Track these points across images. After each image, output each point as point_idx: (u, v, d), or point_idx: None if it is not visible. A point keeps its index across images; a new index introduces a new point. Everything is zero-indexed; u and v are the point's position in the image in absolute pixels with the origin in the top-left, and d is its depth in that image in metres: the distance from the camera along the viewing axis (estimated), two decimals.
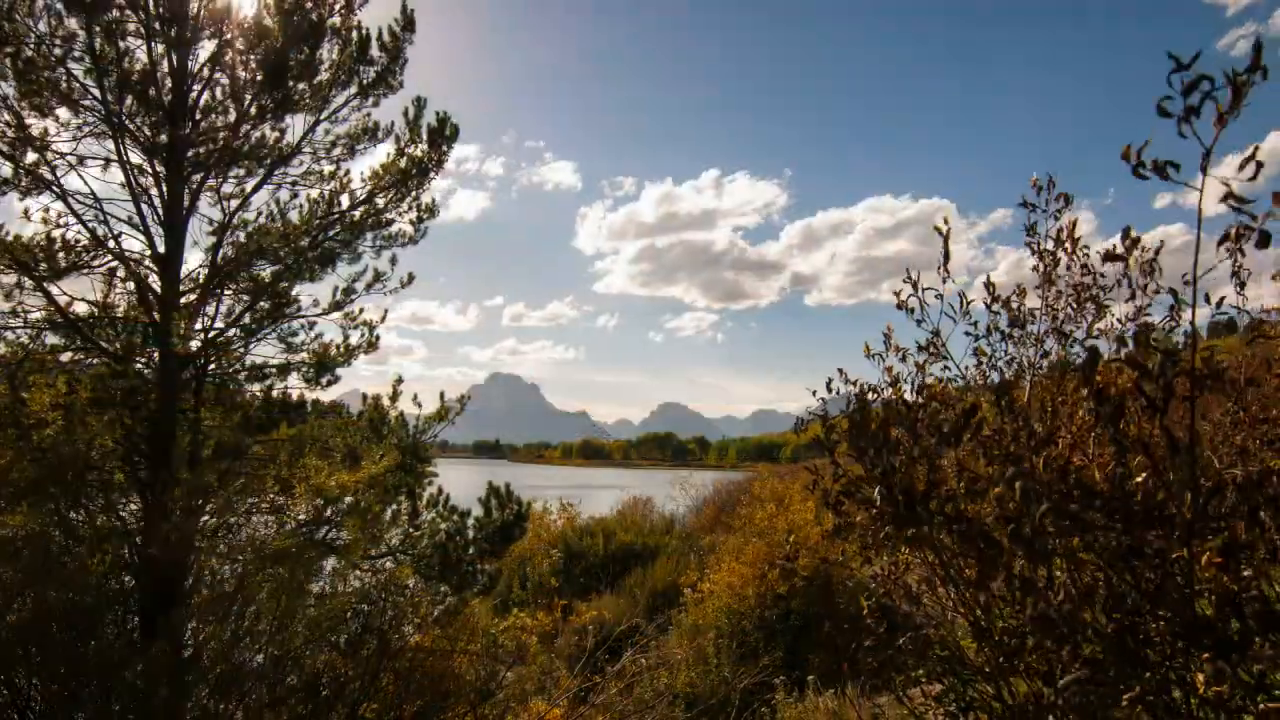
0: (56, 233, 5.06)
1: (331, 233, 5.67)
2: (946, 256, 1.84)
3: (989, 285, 2.14)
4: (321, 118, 5.50)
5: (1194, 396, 0.91)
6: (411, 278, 6.10)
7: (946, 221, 1.86)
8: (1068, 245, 2.09)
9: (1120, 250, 1.04)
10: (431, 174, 5.81)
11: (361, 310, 6.01)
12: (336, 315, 5.96)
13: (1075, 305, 2.11)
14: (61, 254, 5.01)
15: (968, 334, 2.14)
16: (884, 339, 2.06)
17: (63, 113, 4.96)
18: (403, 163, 5.65)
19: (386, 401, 5.84)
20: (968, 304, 2.06)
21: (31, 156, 4.90)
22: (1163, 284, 1.69)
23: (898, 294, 1.99)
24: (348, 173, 5.76)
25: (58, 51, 4.77)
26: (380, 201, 5.74)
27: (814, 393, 2.07)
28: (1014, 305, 2.15)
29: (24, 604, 4.07)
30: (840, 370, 2.10)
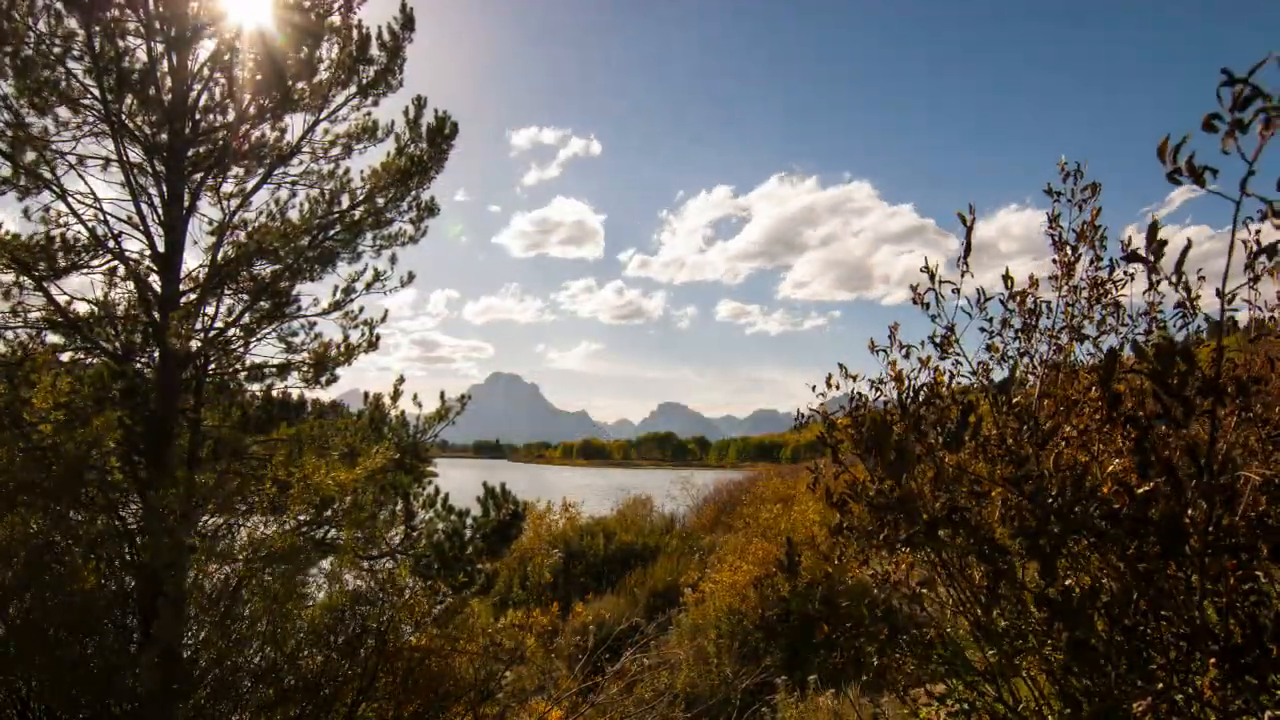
0: (56, 232, 5.06)
1: (331, 232, 5.65)
2: (968, 249, 1.79)
3: (1007, 279, 2.10)
4: (321, 117, 5.49)
5: (1214, 411, 0.89)
6: (412, 276, 6.09)
7: (972, 211, 1.80)
8: (1088, 237, 2.03)
9: (1143, 252, 1.01)
10: (432, 173, 5.80)
11: (361, 309, 6.01)
12: (336, 315, 5.95)
13: (1090, 302, 2.05)
14: (61, 253, 5.00)
15: (982, 330, 2.09)
16: (889, 335, 2.03)
17: (62, 112, 4.96)
18: (402, 162, 5.64)
19: (387, 401, 5.83)
20: (985, 299, 2.01)
21: (31, 155, 4.89)
22: (1172, 281, 1.64)
23: (914, 288, 1.95)
24: (347, 172, 5.76)
25: (57, 50, 4.76)
26: (380, 201, 5.72)
27: (814, 388, 2.05)
28: (1028, 300, 2.09)
29: (22, 605, 4.06)
30: (841, 366, 2.07)
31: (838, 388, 2.03)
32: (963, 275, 1.86)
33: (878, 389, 1.99)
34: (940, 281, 1.87)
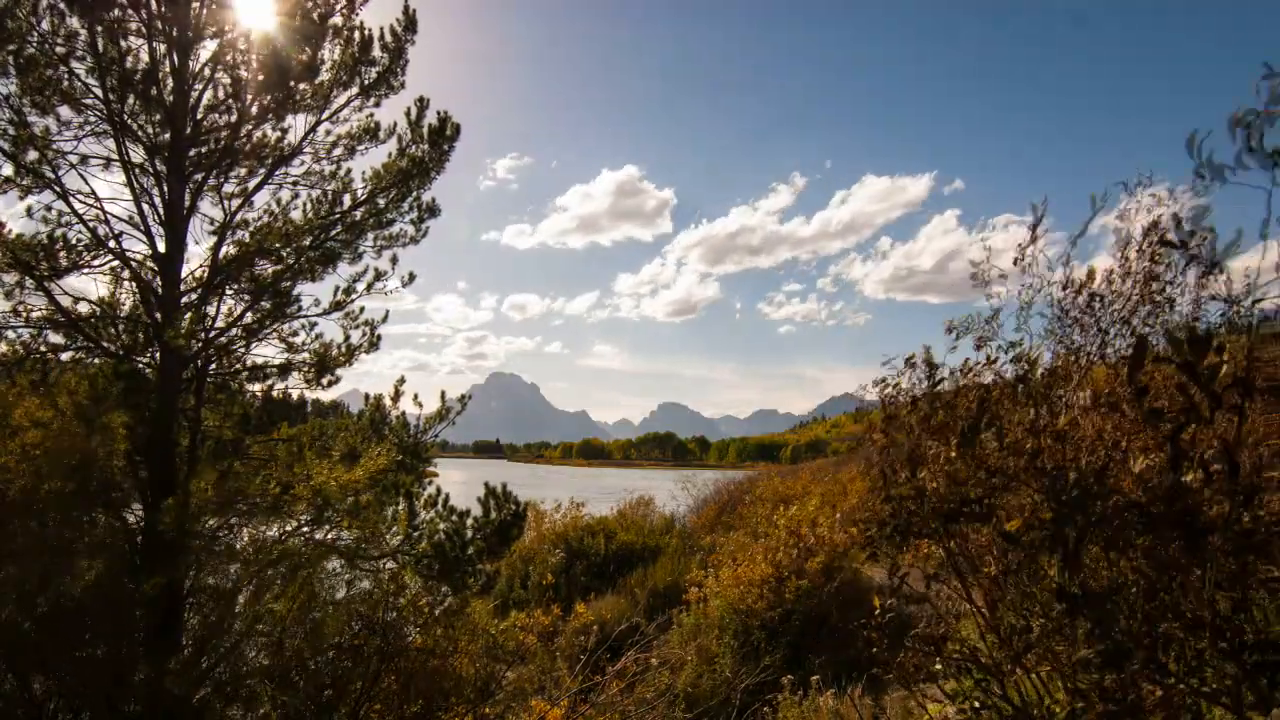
0: (58, 232, 5.05)
1: (333, 232, 5.65)
2: (1034, 237, 1.79)
3: (1066, 263, 2.09)
4: (323, 118, 5.49)
5: (1242, 406, 0.88)
6: (413, 277, 6.09)
7: (1045, 202, 1.81)
8: (1150, 240, 2.03)
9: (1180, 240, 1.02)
10: (433, 174, 5.81)
11: (362, 310, 6.01)
12: (338, 315, 5.95)
13: (1143, 297, 2.04)
14: (62, 253, 4.99)
15: (1041, 315, 2.09)
16: (947, 329, 2.04)
17: (64, 111, 4.95)
18: (404, 163, 5.64)
19: (388, 401, 5.82)
20: (1047, 286, 2.01)
21: (32, 155, 4.88)
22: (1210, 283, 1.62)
23: (974, 263, 1.96)
24: (349, 172, 5.76)
25: (60, 50, 4.75)
26: (381, 201, 5.73)
27: (885, 363, 2.08)
28: (1085, 292, 2.08)
29: (47, 602, 4.06)
30: (926, 347, 2.09)
31: (884, 383, 2.05)
32: (1022, 260, 1.86)
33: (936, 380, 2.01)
34: (987, 281, 1.89)
